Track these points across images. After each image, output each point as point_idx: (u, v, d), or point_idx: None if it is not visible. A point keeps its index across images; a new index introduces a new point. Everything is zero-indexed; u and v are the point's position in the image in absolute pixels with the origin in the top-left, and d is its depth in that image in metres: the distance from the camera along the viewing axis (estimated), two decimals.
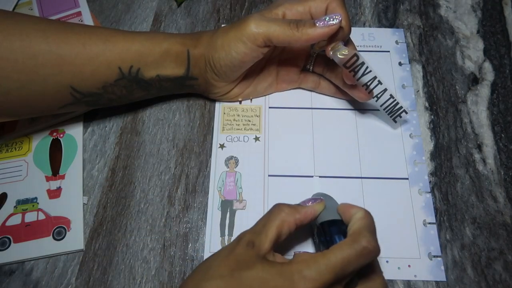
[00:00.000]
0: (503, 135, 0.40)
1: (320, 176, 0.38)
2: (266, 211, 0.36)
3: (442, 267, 0.34)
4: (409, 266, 0.35)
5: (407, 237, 0.36)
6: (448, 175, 0.39)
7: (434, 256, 0.35)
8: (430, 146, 0.40)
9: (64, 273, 0.35)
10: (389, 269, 0.35)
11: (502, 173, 0.39)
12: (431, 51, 0.45)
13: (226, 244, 0.35)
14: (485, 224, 0.36)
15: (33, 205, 0.37)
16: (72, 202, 0.37)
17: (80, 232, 0.36)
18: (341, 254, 0.26)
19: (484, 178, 0.38)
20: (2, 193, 0.37)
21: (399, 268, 0.35)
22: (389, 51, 0.45)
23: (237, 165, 0.39)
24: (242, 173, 0.39)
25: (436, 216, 0.37)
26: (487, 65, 0.44)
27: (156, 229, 0.36)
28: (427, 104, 0.42)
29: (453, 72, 0.44)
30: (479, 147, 0.40)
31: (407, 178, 0.38)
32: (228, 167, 0.39)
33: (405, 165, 0.39)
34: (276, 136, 0.40)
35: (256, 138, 0.40)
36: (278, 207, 0.30)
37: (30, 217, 0.36)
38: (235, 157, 0.39)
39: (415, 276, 0.34)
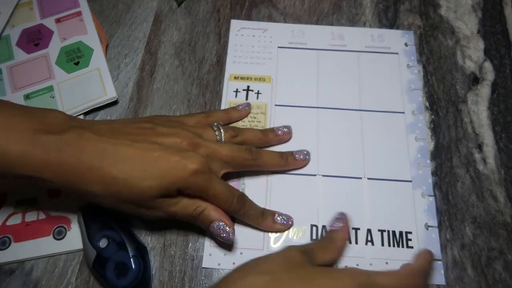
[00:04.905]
0: (503, 135, 0.40)
1: (323, 175, 0.38)
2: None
3: (442, 271, 0.34)
4: None
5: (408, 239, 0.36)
6: (448, 175, 0.39)
7: (435, 260, 0.35)
8: (430, 146, 0.40)
9: (64, 273, 0.34)
10: None
11: (503, 172, 0.39)
12: (431, 51, 0.45)
13: None
14: (485, 224, 0.36)
15: (33, 205, 0.37)
16: (73, 202, 0.37)
17: None
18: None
19: (484, 178, 0.38)
20: (3, 192, 0.37)
21: None
22: (398, 53, 0.45)
23: None
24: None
25: (436, 216, 0.37)
26: (488, 65, 0.44)
27: (157, 228, 0.36)
28: (427, 104, 0.42)
29: (454, 72, 0.44)
30: (480, 147, 0.40)
31: (411, 181, 0.38)
32: None
33: (409, 167, 0.39)
34: None
35: None
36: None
37: (30, 216, 0.36)
38: None
39: None
